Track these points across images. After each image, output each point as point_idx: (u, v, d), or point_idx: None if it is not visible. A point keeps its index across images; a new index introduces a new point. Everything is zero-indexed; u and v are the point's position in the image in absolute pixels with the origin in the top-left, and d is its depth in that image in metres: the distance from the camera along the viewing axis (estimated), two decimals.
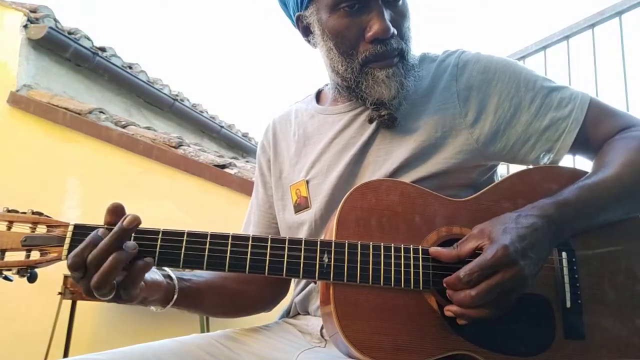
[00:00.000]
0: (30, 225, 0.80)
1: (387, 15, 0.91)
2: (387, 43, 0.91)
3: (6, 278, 0.80)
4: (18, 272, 0.79)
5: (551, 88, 0.97)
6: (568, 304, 0.81)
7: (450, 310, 0.76)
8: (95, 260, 0.74)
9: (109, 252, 0.74)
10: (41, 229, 0.80)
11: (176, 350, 0.92)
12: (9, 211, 0.81)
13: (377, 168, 0.95)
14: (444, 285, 0.76)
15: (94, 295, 0.77)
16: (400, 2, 0.94)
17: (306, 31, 1.02)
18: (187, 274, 0.97)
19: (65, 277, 2.41)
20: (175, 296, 0.89)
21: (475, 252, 0.76)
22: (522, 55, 2.73)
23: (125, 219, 0.76)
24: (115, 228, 0.75)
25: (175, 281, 0.90)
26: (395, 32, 0.92)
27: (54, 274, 2.39)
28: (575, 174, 0.89)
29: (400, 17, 0.94)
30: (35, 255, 0.79)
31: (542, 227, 0.77)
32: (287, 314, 1.09)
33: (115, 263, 0.73)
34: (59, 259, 0.79)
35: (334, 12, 0.92)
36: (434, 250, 0.79)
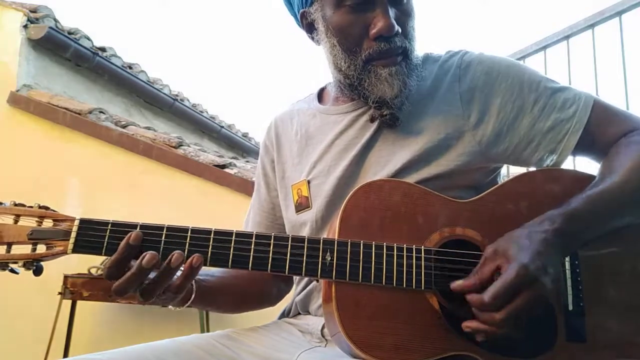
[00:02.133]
0: (36, 219, 0.82)
1: (391, 13, 0.90)
2: (391, 41, 0.91)
3: (12, 271, 0.81)
4: (24, 265, 0.80)
5: (555, 89, 0.96)
6: (570, 307, 0.81)
7: (469, 326, 0.74)
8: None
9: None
10: (47, 223, 0.81)
11: (176, 350, 0.92)
12: (15, 205, 0.82)
13: (378, 169, 0.95)
14: (469, 302, 0.74)
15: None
16: (406, 0, 0.93)
17: (310, 28, 1.02)
18: (201, 273, 0.97)
19: (65, 277, 2.41)
20: (193, 296, 0.91)
21: (495, 274, 0.75)
22: (522, 55, 2.73)
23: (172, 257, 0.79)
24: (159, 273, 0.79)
25: (193, 282, 0.91)
26: (400, 31, 0.92)
27: (54, 274, 2.39)
28: (577, 177, 0.89)
29: (405, 16, 0.94)
30: (41, 249, 0.80)
31: (554, 241, 0.76)
32: (287, 313, 1.10)
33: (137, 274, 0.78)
34: (64, 252, 0.80)
35: (339, 8, 0.92)
36: (457, 285, 0.77)
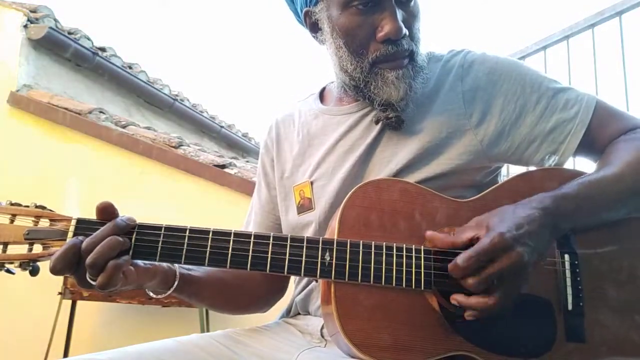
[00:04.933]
0: (33, 218, 0.81)
1: (399, 15, 0.90)
2: (399, 44, 0.91)
3: (8, 271, 0.80)
4: (20, 266, 0.80)
5: (557, 89, 0.96)
6: (569, 307, 0.81)
7: (455, 298, 0.75)
8: (89, 246, 0.75)
9: (104, 239, 0.76)
10: (44, 223, 0.81)
11: (176, 350, 0.92)
12: (12, 204, 0.81)
13: (382, 169, 0.95)
14: (449, 271, 0.75)
15: (88, 285, 0.78)
16: (412, 2, 0.93)
17: (314, 27, 1.01)
18: None
19: (65, 277, 2.40)
20: (177, 282, 0.89)
21: (472, 243, 0.76)
22: (522, 55, 2.73)
23: (124, 215, 0.79)
24: (116, 221, 0.78)
25: (177, 267, 0.89)
26: (407, 33, 0.91)
27: None
28: (578, 176, 0.89)
29: (411, 17, 0.93)
30: (37, 249, 0.80)
31: (539, 218, 0.77)
32: (287, 313, 1.09)
33: (110, 243, 0.75)
34: None
35: (346, 9, 0.91)
36: (431, 233, 0.80)
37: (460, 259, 0.73)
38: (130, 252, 0.79)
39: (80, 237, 0.77)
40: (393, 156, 0.95)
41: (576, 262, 0.83)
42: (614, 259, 0.85)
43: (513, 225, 0.75)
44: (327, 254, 0.79)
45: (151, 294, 0.90)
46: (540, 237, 0.77)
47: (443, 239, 0.79)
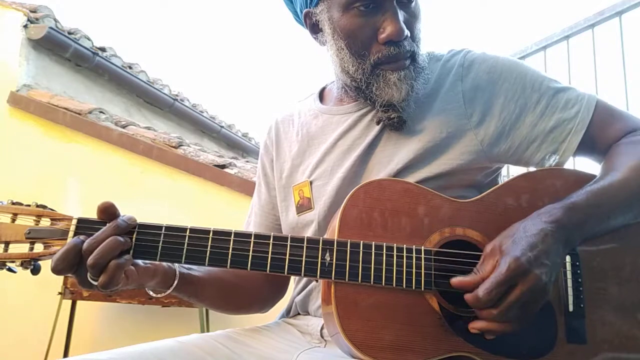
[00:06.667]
0: (34, 217, 0.82)
1: (400, 16, 0.90)
2: (400, 45, 0.91)
3: (10, 270, 0.81)
4: (22, 264, 0.80)
5: (557, 89, 0.96)
6: (571, 308, 0.81)
7: (475, 327, 0.75)
8: (91, 247, 0.75)
9: (105, 239, 0.76)
10: (45, 222, 0.81)
11: (176, 350, 0.92)
12: (13, 203, 0.82)
13: (381, 169, 0.95)
14: (467, 301, 0.74)
15: (89, 285, 0.78)
16: (413, 3, 0.93)
17: (314, 28, 1.00)
18: None
19: (65, 277, 2.41)
20: (176, 282, 0.89)
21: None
22: (522, 55, 2.73)
23: (125, 215, 0.80)
24: (117, 221, 0.78)
25: (176, 266, 0.90)
26: (409, 34, 0.91)
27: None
28: (580, 176, 0.89)
29: (412, 18, 0.93)
30: (38, 248, 0.80)
31: (552, 232, 0.76)
32: (287, 313, 1.09)
33: (112, 243, 0.76)
34: None
35: (347, 11, 0.91)
36: (457, 281, 0.76)
37: (481, 291, 0.72)
38: (131, 252, 0.79)
39: (82, 237, 0.77)
40: (393, 156, 0.95)
41: (577, 263, 0.82)
42: (615, 259, 0.85)
43: (527, 246, 0.74)
44: (328, 254, 0.79)
45: (151, 292, 0.90)
46: (555, 253, 0.76)
47: (472, 281, 0.76)
